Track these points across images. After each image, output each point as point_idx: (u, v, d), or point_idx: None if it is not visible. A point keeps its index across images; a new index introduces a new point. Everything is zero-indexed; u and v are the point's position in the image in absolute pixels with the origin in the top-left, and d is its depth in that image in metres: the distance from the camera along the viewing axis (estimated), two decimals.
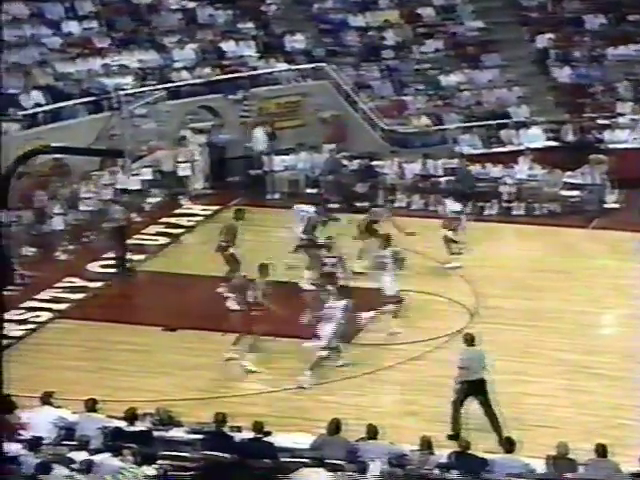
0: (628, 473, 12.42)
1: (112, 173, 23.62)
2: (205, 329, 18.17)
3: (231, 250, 19.20)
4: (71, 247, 21.88)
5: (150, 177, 24.43)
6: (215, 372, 16.87)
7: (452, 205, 21.43)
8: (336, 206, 23.74)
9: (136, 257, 21.36)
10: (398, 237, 19.39)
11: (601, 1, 29.20)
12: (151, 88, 25.60)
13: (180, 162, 24.55)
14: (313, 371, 16.36)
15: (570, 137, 26.51)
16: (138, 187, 23.96)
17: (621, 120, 26.63)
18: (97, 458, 12.41)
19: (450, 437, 14.39)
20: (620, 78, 27.75)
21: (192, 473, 12.51)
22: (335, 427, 13.18)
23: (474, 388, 14.83)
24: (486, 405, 14.85)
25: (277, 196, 25.21)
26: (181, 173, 24.51)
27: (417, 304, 19.07)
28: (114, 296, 20.05)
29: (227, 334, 17.75)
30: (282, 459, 12.72)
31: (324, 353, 16.43)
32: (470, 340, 15.18)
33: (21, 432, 13.04)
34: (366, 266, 19.52)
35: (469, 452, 12.77)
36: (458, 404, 14.87)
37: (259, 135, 25.80)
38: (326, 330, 16.40)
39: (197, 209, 24.20)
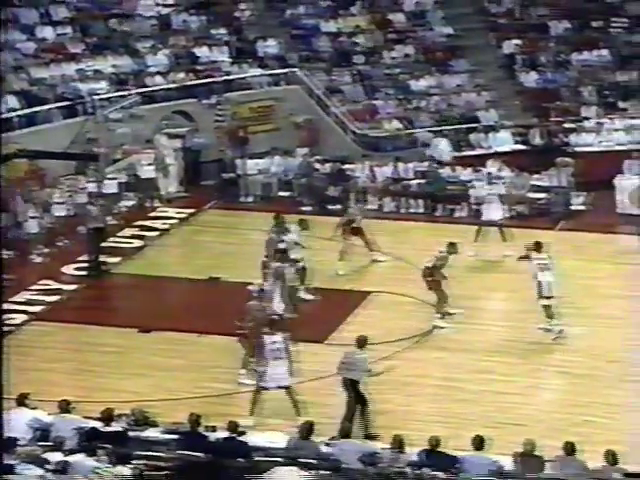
0: (623, 473, 12.53)
1: (87, 177, 23.80)
2: (180, 331, 18.33)
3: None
4: (46, 250, 22.02)
5: (125, 181, 24.64)
6: (190, 373, 16.98)
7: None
8: (309, 209, 24.09)
9: (111, 260, 21.55)
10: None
11: (565, 7, 29.62)
12: (125, 93, 25.81)
13: (147, 165, 24.75)
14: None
15: (537, 140, 26.89)
16: (113, 190, 24.15)
17: (586, 124, 27.05)
18: (72, 458, 12.47)
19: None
20: (585, 83, 28.23)
21: (167, 473, 12.51)
22: (307, 431, 13.25)
23: (346, 386, 15.22)
24: (349, 404, 15.15)
25: (250, 199, 25.44)
26: (146, 175, 24.69)
27: (388, 305, 19.39)
28: (89, 298, 20.20)
29: (202, 335, 18.06)
30: (256, 458, 12.80)
31: None
32: (361, 343, 15.41)
33: None
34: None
35: (439, 450, 12.96)
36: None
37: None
38: None
39: (172, 212, 24.37)
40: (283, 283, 18.12)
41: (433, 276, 18.71)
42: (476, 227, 21.85)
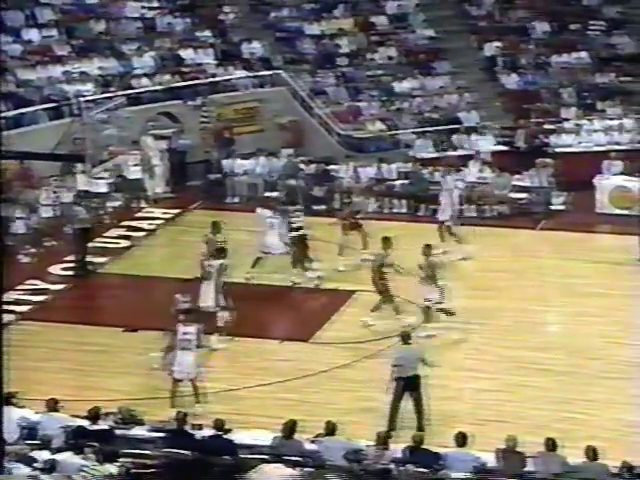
0: (629, 473, 12.74)
1: (74, 178, 23.98)
2: (166, 329, 18.53)
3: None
4: (33, 250, 22.16)
5: (111, 181, 24.82)
6: None
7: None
8: (294, 209, 24.25)
9: (98, 259, 21.73)
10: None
11: (544, 10, 29.92)
12: (111, 95, 25.98)
13: (133, 165, 24.95)
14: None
15: (518, 141, 27.16)
16: (100, 191, 24.33)
17: (566, 125, 27.36)
18: (59, 457, 12.60)
19: (386, 434, 14.52)
20: (564, 84, 28.55)
21: (154, 470, 12.73)
22: (290, 430, 13.37)
23: (408, 384, 15.26)
24: (417, 401, 15.28)
25: (236, 200, 25.65)
26: (132, 176, 24.88)
27: (372, 304, 19.45)
28: (76, 298, 20.39)
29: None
30: (242, 456, 12.97)
31: None
32: (406, 338, 15.68)
33: None
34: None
35: (423, 447, 13.19)
36: (396, 402, 15.28)
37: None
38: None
39: (158, 212, 24.58)
40: (216, 281, 18.29)
41: (382, 279, 18.65)
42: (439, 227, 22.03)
